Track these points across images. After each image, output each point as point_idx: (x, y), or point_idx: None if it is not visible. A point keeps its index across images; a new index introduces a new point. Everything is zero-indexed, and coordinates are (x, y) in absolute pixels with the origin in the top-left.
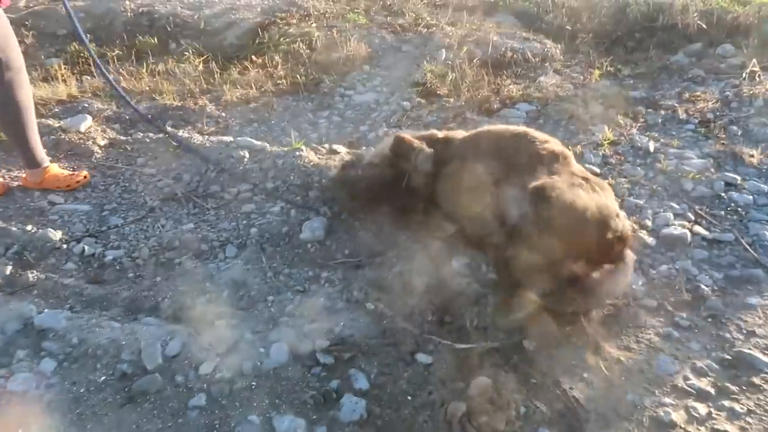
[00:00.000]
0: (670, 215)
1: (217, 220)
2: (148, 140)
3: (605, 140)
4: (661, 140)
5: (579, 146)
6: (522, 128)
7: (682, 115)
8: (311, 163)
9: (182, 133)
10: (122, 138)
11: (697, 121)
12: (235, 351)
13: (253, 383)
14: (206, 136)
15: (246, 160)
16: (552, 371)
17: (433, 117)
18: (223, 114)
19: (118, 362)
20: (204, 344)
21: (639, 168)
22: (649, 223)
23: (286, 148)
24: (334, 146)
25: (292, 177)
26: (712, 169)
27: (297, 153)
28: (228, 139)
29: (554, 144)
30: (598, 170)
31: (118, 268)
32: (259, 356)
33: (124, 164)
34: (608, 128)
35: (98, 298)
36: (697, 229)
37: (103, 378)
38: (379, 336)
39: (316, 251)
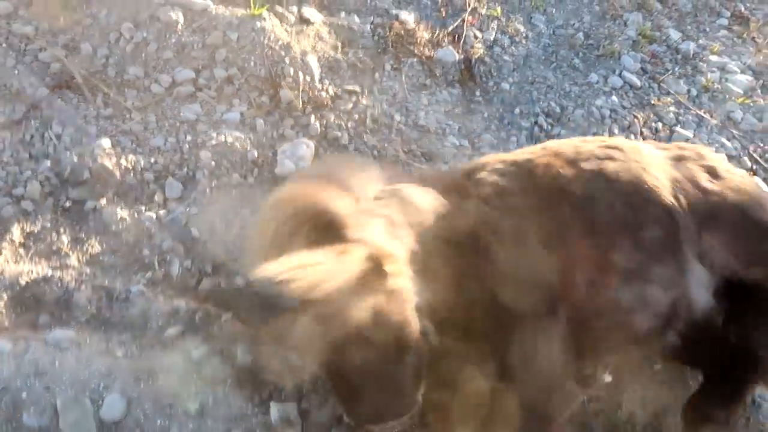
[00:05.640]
0: (724, 157)
1: (145, 131)
2: None
3: (641, 36)
4: (700, 41)
5: (615, 43)
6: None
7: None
8: (279, 42)
9: None
10: None
11: (729, 14)
12: (217, 404)
13: None
14: None
15: (180, 26)
16: None
17: None
18: None
19: None
20: (166, 393)
21: (682, 82)
22: None
23: (240, 13)
24: (305, 9)
25: (252, 63)
26: (759, 90)
27: (258, 23)
28: None
29: None
30: (638, 81)
31: None
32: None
33: None
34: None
35: None
36: (757, 181)
37: None
38: None
39: None
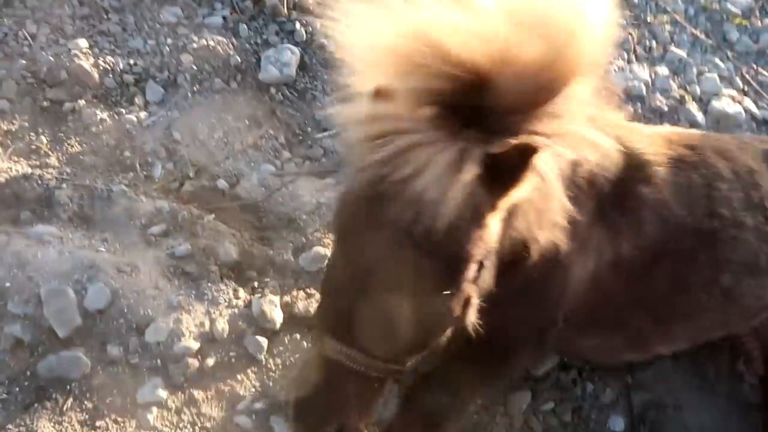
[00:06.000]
0: (716, 78)
1: (124, 33)
2: None
3: None
4: None
5: None
6: None
7: None
8: None
9: None
10: None
11: None
12: (200, 297)
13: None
14: None
15: None
16: None
17: None
18: None
19: (4, 321)
20: (149, 285)
21: (680, 0)
22: (696, 89)
23: None
24: None
25: None
26: (757, 12)
27: None
28: None
29: None
30: None
31: None
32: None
33: None
34: None
35: None
36: (747, 103)
37: None
38: None
39: (286, 101)
